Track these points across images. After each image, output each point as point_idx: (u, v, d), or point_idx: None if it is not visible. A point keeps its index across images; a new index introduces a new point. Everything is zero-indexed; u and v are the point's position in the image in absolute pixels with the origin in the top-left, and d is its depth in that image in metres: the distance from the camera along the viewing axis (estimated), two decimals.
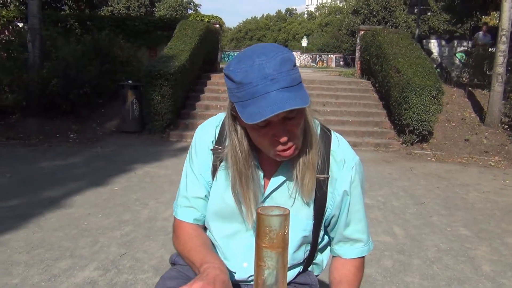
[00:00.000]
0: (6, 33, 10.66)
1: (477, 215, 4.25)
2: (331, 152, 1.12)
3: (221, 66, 12.63)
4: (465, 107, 8.94)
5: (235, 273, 1.15)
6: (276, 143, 0.98)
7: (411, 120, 7.33)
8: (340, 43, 40.48)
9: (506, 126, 8.01)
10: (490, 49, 10.74)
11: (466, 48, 13.23)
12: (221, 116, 1.18)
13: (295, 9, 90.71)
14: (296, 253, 1.16)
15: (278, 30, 74.54)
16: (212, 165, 1.16)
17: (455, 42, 13.85)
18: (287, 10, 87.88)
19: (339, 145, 1.14)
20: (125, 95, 8.04)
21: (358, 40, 11.65)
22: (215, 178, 1.16)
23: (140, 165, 5.78)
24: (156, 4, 42.27)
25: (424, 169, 6.25)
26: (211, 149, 1.15)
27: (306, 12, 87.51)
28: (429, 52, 12.91)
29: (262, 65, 0.91)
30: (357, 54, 11.79)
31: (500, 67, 7.96)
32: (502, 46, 7.92)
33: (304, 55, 39.52)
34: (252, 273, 1.11)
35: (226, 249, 1.18)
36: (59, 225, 3.57)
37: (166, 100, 7.74)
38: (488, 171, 6.34)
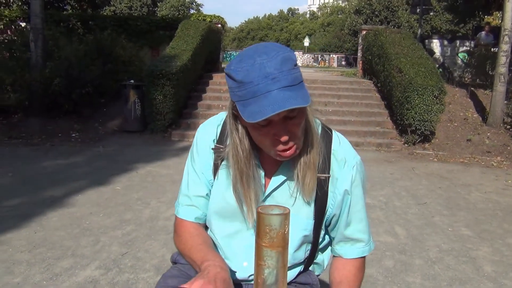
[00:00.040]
0: (9, 32, 10.69)
1: (479, 215, 4.24)
2: (332, 151, 1.12)
3: (223, 65, 12.65)
4: (467, 107, 8.92)
5: (236, 272, 1.15)
6: (277, 143, 0.98)
7: (413, 120, 7.32)
8: (342, 43, 40.44)
9: (508, 126, 7.99)
10: (492, 49, 10.71)
11: (468, 48, 13.19)
12: (222, 115, 1.18)
13: (297, 9, 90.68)
14: (296, 253, 1.16)
15: (280, 30, 74.48)
16: (214, 164, 1.16)
17: (458, 42, 13.81)
18: (289, 10, 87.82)
19: (340, 144, 1.14)
20: (127, 95, 8.05)
21: (360, 40, 11.64)
22: (216, 177, 1.16)
23: (142, 164, 5.79)
24: (158, 4, 42.27)
25: (426, 169, 6.24)
26: (212, 148, 1.15)
27: (308, 12, 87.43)
28: (431, 52, 12.88)
29: (263, 64, 0.91)
30: (359, 54, 11.78)
31: (502, 67, 7.94)
32: (505, 46, 7.90)
33: (306, 55, 39.48)
34: (252, 272, 1.11)
35: (227, 248, 1.18)
36: (61, 224, 3.58)
37: (168, 100, 7.75)
38: (490, 171, 6.33)
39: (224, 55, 19.61)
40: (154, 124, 7.95)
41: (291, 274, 1.19)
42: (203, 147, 1.18)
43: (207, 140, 1.17)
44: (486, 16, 16.93)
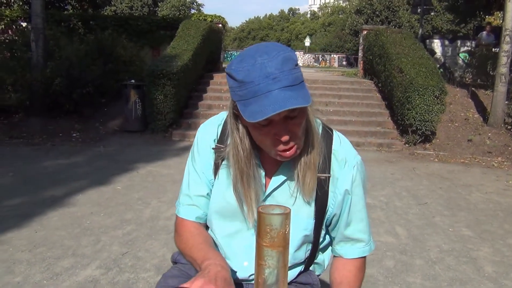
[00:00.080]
0: (10, 32, 10.69)
1: (480, 215, 4.24)
2: (332, 151, 1.12)
3: (223, 65, 12.65)
4: (468, 107, 8.92)
5: (236, 272, 1.15)
6: (277, 143, 0.98)
7: (414, 120, 7.32)
8: (343, 43, 40.42)
9: (509, 127, 7.99)
10: (493, 49, 10.72)
11: (469, 48, 13.19)
12: (223, 115, 1.18)
13: (298, 9, 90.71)
14: (297, 252, 1.16)
15: (281, 30, 74.52)
16: (214, 164, 1.16)
17: (459, 42, 13.81)
18: (290, 10, 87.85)
19: (341, 144, 1.14)
20: (128, 95, 8.06)
21: (361, 40, 11.63)
22: (217, 177, 1.16)
23: (142, 164, 5.79)
24: (159, 4, 42.30)
25: (426, 169, 6.23)
26: (213, 148, 1.15)
27: (309, 12, 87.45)
28: (432, 52, 12.88)
29: (264, 64, 0.91)
30: (360, 54, 11.78)
31: (503, 67, 7.93)
32: (506, 46, 7.89)
33: (307, 55, 39.50)
34: (253, 272, 1.11)
35: (228, 248, 1.18)
36: (62, 224, 3.58)
37: (169, 100, 7.75)
38: (491, 171, 6.33)
39: (225, 55, 19.60)
40: (154, 124, 7.96)
41: (292, 274, 1.19)
42: (204, 147, 1.18)
43: (207, 140, 1.17)
44: (487, 16, 16.93)
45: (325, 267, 1.30)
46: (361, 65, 11.67)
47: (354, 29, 33.38)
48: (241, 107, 0.93)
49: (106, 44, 9.29)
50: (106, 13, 24.03)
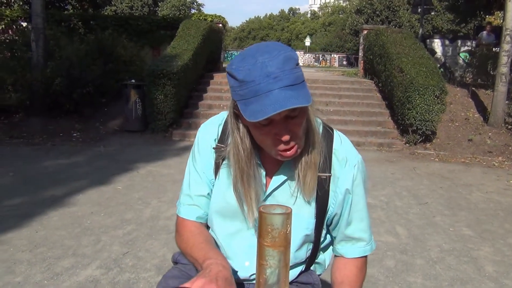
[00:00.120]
0: (10, 32, 10.68)
1: (480, 215, 4.24)
2: (333, 150, 1.12)
3: (224, 65, 12.64)
4: (469, 107, 8.91)
5: (237, 271, 1.15)
6: (278, 142, 0.98)
7: (414, 120, 7.32)
8: (343, 43, 40.43)
9: (510, 126, 7.98)
10: (494, 49, 10.72)
11: (469, 48, 13.19)
12: (223, 115, 1.18)
13: (298, 9, 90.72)
14: (298, 252, 1.16)
15: (281, 30, 74.53)
16: (215, 163, 1.16)
17: (459, 41, 13.81)
18: (290, 9, 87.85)
19: (342, 144, 1.14)
20: (128, 95, 8.06)
21: (361, 40, 11.63)
22: (217, 177, 1.16)
23: (143, 164, 5.79)
24: (159, 4, 42.29)
25: (427, 169, 6.23)
26: (214, 147, 1.15)
27: (309, 12, 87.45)
28: (432, 52, 12.88)
29: (265, 63, 0.90)
30: (360, 53, 11.77)
31: (504, 67, 7.93)
32: (506, 46, 7.89)
33: (307, 54, 39.51)
34: (254, 272, 1.11)
35: (228, 247, 1.18)
36: (62, 224, 3.58)
37: (169, 100, 7.75)
38: (492, 171, 6.32)
39: (225, 55, 19.59)
40: (155, 123, 7.96)
41: (293, 274, 1.18)
42: (204, 147, 1.18)
43: (208, 140, 1.17)
44: (487, 16, 16.93)
45: (326, 266, 1.29)
46: (362, 64, 11.66)
47: (354, 28, 33.39)
48: (242, 107, 0.93)
49: (106, 44, 9.29)
50: (106, 13, 24.03)
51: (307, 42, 43.28)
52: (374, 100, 9.27)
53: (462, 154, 7.26)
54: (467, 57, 12.83)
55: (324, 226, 1.18)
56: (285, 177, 1.11)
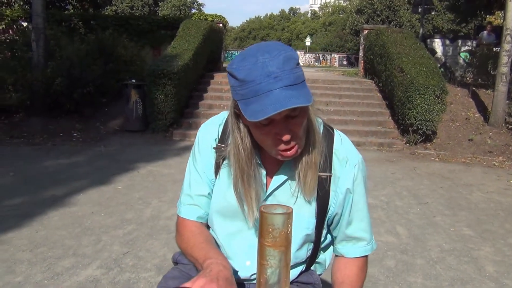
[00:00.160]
0: (11, 32, 10.70)
1: (481, 215, 4.23)
2: (333, 150, 1.12)
3: (224, 65, 12.64)
4: (469, 107, 8.91)
5: (237, 271, 1.15)
6: (278, 142, 0.98)
7: (415, 120, 7.31)
8: (343, 43, 40.41)
9: (510, 126, 7.98)
10: (494, 48, 10.71)
11: (470, 48, 13.19)
12: (224, 115, 1.18)
13: (299, 9, 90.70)
14: (298, 252, 1.15)
15: (282, 30, 74.51)
16: (215, 163, 1.16)
17: (459, 41, 13.80)
18: (291, 9, 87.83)
19: (342, 143, 1.14)
20: (128, 94, 8.06)
21: (361, 40, 11.62)
22: (218, 176, 1.16)
23: (143, 164, 5.79)
24: (160, 4, 42.29)
25: (427, 169, 6.23)
26: (214, 147, 1.15)
27: (309, 12, 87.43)
28: (433, 52, 12.88)
29: (265, 63, 0.90)
30: (361, 53, 11.76)
31: (504, 67, 7.92)
32: (507, 46, 7.89)
33: (308, 54, 39.49)
34: (255, 272, 1.11)
35: (229, 247, 1.18)
36: (62, 224, 3.58)
37: (170, 99, 7.75)
38: (492, 171, 6.32)
39: (226, 55, 19.59)
40: (155, 123, 7.96)
41: (293, 273, 1.18)
42: (205, 147, 1.18)
43: (208, 140, 1.17)
44: (488, 16, 16.92)
45: (326, 266, 1.29)
46: (362, 64, 11.66)
47: (354, 28, 33.39)
48: (242, 106, 0.93)
49: (106, 44, 9.29)
50: (106, 13, 24.03)
51: (308, 42, 43.25)
52: (374, 100, 9.27)
53: (462, 154, 7.26)
54: (468, 57, 12.83)
55: (325, 226, 1.18)
56: (286, 177, 1.11)
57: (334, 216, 1.16)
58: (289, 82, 0.91)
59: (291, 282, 1.18)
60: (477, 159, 7.05)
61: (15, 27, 10.96)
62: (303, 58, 37.57)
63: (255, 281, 1.15)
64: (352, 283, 1.16)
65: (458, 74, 12.47)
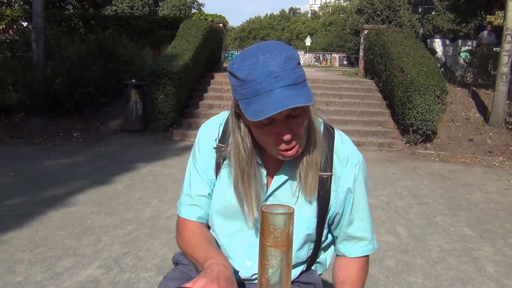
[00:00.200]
0: (11, 32, 10.70)
1: (481, 215, 4.23)
2: (334, 150, 1.12)
3: (224, 65, 12.65)
4: (469, 107, 8.91)
5: (238, 271, 1.15)
6: (279, 142, 0.98)
7: (415, 120, 7.31)
8: (343, 43, 40.40)
9: (510, 126, 7.98)
10: (494, 48, 10.71)
11: (470, 48, 13.19)
12: (224, 115, 1.18)
13: (299, 9, 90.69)
14: (299, 252, 1.15)
15: (282, 30, 74.51)
16: (216, 163, 1.16)
17: (460, 41, 13.80)
18: (291, 9, 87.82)
19: (343, 143, 1.14)
20: (128, 94, 8.06)
21: (362, 40, 11.62)
22: (218, 177, 1.16)
23: (143, 164, 5.79)
24: (160, 4, 42.28)
25: (427, 169, 6.23)
26: (214, 147, 1.15)
27: (309, 12, 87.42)
28: (433, 52, 12.88)
29: (266, 62, 0.90)
30: (361, 53, 11.76)
31: (504, 67, 7.92)
32: (507, 46, 7.88)
33: (308, 54, 39.48)
34: (256, 272, 1.10)
35: (229, 247, 1.17)
36: (62, 224, 3.58)
37: (170, 99, 7.75)
38: (492, 171, 6.32)
39: (226, 55, 19.59)
40: (155, 123, 7.96)
41: (294, 273, 1.18)
42: (205, 147, 1.17)
43: (209, 140, 1.17)
44: (488, 16, 16.91)
45: (327, 266, 1.29)
46: (362, 64, 11.66)
47: (355, 28, 33.38)
48: (243, 106, 0.93)
49: (107, 44, 9.29)
50: (107, 13, 24.04)
51: (308, 42, 43.23)
52: (374, 100, 9.27)
53: (462, 154, 7.26)
54: (468, 57, 12.83)
55: (326, 226, 1.18)
56: (286, 177, 1.10)
57: (335, 216, 1.16)
58: (290, 81, 0.91)
59: (292, 282, 1.18)
60: (477, 159, 7.05)
61: (15, 27, 10.96)
62: (303, 58, 37.57)
63: (256, 281, 1.15)
64: (354, 282, 1.15)
65: (458, 74, 12.46)
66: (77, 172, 5.33)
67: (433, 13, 23.67)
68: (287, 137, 0.95)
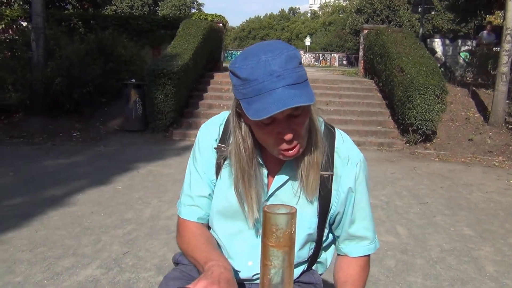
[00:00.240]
0: (10, 32, 10.68)
1: (481, 215, 4.23)
2: (335, 149, 1.12)
3: (224, 65, 12.65)
4: (469, 106, 8.91)
5: (239, 271, 1.15)
6: (280, 141, 0.97)
7: (415, 120, 7.31)
8: (343, 42, 40.40)
9: (510, 126, 7.98)
10: (494, 48, 10.71)
11: (470, 48, 13.19)
12: (224, 115, 1.18)
13: (299, 8, 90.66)
14: (300, 251, 1.15)
15: (282, 29, 74.53)
16: (216, 163, 1.15)
17: (459, 41, 13.81)
18: (291, 9, 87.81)
19: (343, 142, 1.14)
20: (128, 94, 8.05)
21: (361, 39, 11.62)
22: (219, 177, 1.16)
23: (143, 164, 5.79)
24: (160, 3, 42.25)
25: (427, 168, 6.23)
26: (215, 148, 1.15)
27: (309, 11, 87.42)
28: (433, 51, 12.88)
29: (268, 61, 0.90)
30: (361, 53, 11.76)
31: (504, 67, 7.92)
32: (507, 45, 7.89)
33: (308, 54, 39.48)
34: (257, 272, 1.10)
35: (230, 248, 1.17)
36: (62, 224, 3.57)
37: (169, 99, 7.75)
38: (492, 171, 6.32)
39: (226, 55, 19.60)
40: (155, 123, 7.95)
41: (295, 273, 1.17)
42: (205, 147, 1.17)
43: (209, 140, 1.17)
44: (487, 15, 16.92)
45: (328, 266, 1.29)
46: (362, 64, 11.66)
47: (354, 28, 33.37)
48: (245, 105, 0.92)
49: (106, 44, 9.29)
50: (106, 13, 24.04)
51: (307, 41, 43.25)
52: (374, 99, 9.27)
53: (462, 154, 7.26)
54: (468, 57, 12.84)
55: (327, 225, 1.18)
56: (287, 177, 1.10)
57: (336, 215, 1.16)
58: (292, 81, 0.90)
59: (293, 282, 1.18)
60: (477, 159, 7.05)
61: (14, 26, 10.94)
62: (303, 58, 37.55)
63: (257, 281, 1.14)
64: (355, 282, 1.15)
65: (458, 73, 12.47)
66: (77, 172, 5.33)
67: (433, 13, 23.68)
68: (288, 136, 0.95)
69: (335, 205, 1.14)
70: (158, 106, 7.74)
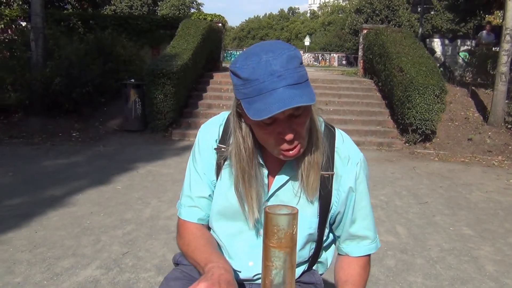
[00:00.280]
0: (9, 32, 10.67)
1: (480, 214, 4.23)
2: (335, 149, 1.12)
3: (224, 65, 12.64)
4: (469, 106, 8.91)
5: (240, 272, 1.15)
6: (281, 141, 0.97)
7: (414, 119, 7.32)
8: (343, 42, 40.40)
9: (509, 126, 7.99)
10: (493, 48, 10.72)
11: (469, 47, 13.20)
12: (224, 115, 1.18)
13: (298, 8, 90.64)
14: (301, 251, 1.15)
15: (281, 29, 74.50)
16: (216, 164, 1.15)
17: (459, 41, 13.82)
18: (290, 9, 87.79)
19: (344, 142, 1.14)
20: (127, 94, 8.05)
21: (361, 39, 11.62)
22: (219, 177, 1.15)
23: (142, 164, 5.78)
24: (159, 3, 42.23)
25: (427, 168, 6.23)
26: (215, 148, 1.14)
27: (308, 11, 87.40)
28: (432, 51, 12.89)
29: (269, 61, 0.90)
30: (360, 53, 11.76)
31: (503, 66, 7.93)
32: (506, 45, 7.89)
33: (307, 54, 39.47)
34: (258, 272, 1.10)
35: (230, 248, 1.17)
36: (62, 224, 3.57)
37: (169, 99, 7.74)
38: (492, 170, 6.32)
39: (225, 54, 19.60)
40: (154, 123, 7.95)
41: (296, 273, 1.18)
42: (205, 147, 1.17)
43: (209, 140, 1.16)
44: (487, 15, 16.94)
45: (328, 266, 1.29)
46: (361, 64, 11.66)
47: (354, 28, 33.37)
48: (246, 105, 0.92)
49: (105, 44, 9.28)
50: (105, 13, 24.03)
51: (307, 41, 43.23)
52: (373, 99, 9.27)
53: (461, 154, 7.26)
54: (467, 57, 12.84)
55: (327, 225, 1.18)
56: (288, 177, 1.10)
57: (337, 215, 1.16)
58: (293, 81, 0.90)
59: None
60: (476, 158, 7.06)
61: (14, 26, 10.93)
62: (302, 57, 37.52)
63: (257, 282, 1.14)
64: (356, 282, 1.15)
65: (458, 73, 12.47)
66: (76, 172, 5.32)
67: (432, 12, 23.71)
68: (289, 136, 0.95)
69: (336, 205, 1.14)
70: (157, 106, 7.73)
